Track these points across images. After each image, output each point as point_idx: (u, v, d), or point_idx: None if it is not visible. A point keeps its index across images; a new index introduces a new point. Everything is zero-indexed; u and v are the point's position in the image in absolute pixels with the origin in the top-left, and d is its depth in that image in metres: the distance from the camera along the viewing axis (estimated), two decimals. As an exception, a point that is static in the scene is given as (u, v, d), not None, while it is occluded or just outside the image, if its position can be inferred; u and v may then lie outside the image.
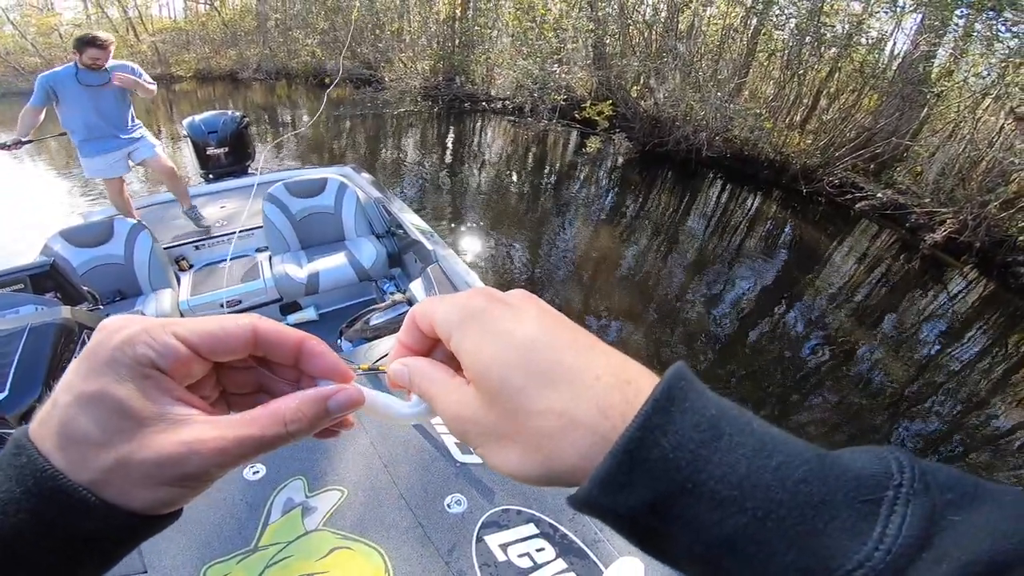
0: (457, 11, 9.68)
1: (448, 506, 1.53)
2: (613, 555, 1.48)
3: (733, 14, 8.05)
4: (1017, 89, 6.11)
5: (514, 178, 7.14)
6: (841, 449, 0.22)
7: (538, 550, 1.49)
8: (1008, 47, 6.16)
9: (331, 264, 2.82)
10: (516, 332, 0.25)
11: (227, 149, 3.62)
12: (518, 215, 5.81)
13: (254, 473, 1.49)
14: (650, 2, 8.70)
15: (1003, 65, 6.12)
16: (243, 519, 1.39)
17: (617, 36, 8.55)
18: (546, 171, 7.84)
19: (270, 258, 2.98)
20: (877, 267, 6.08)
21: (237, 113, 3.77)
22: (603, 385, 0.23)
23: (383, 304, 2.49)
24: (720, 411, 0.22)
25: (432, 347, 0.31)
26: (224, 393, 0.31)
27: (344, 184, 3.07)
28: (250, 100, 10.52)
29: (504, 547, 1.48)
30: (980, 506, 0.19)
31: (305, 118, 9.43)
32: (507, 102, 9.03)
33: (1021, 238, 5.89)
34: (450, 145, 8.54)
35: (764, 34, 7.76)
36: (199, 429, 0.24)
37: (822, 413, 3.48)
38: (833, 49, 7.40)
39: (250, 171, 3.81)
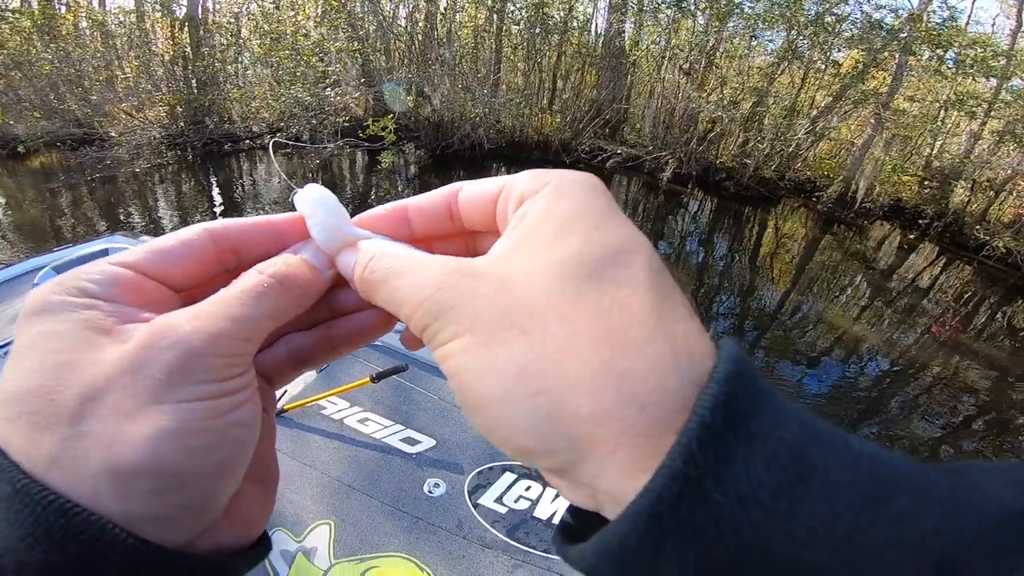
0: (187, 50, 8.61)
1: (430, 492, 1.63)
2: None
3: (480, 16, 9.05)
4: (679, 50, 8.32)
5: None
6: (965, 463, 0.16)
7: (526, 489, 1.70)
8: (667, 16, 8.32)
9: None
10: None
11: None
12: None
13: None
14: (403, 15, 9.16)
15: (667, 32, 8.25)
16: None
17: (381, 52, 8.77)
18: (346, 195, 7.67)
19: None
20: (637, 207, 7.70)
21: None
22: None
23: None
24: (805, 430, 0.15)
25: (433, 244, 0.25)
26: None
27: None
28: None
29: (499, 500, 1.65)
30: None
31: None
32: (279, 135, 8.50)
33: (718, 161, 8.14)
34: (217, 194, 7.67)
35: (505, 31, 8.89)
36: (173, 315, 0.19)
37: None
38: (556, 36, 8.91)
39: None
